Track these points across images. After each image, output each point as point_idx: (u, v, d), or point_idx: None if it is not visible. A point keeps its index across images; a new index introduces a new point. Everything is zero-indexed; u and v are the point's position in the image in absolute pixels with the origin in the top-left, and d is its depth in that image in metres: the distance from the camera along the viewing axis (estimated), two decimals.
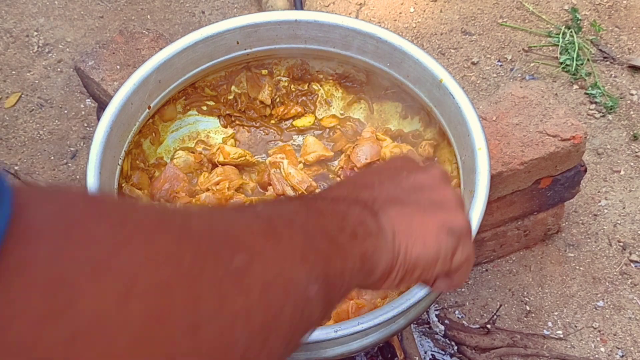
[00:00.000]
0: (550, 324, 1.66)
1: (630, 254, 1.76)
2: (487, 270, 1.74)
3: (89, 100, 2.07)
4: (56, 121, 2.06)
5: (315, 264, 0.53)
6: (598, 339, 1.64)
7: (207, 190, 1.26)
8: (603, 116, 2.03)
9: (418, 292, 0.99)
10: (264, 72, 1.37)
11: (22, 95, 2.12)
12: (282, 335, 0.48)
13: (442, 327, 1.60)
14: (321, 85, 1.39)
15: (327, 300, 0.55)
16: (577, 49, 2.14)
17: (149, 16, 2.31)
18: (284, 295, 0.48)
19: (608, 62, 2.15)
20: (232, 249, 0.46)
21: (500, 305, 1.66)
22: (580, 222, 1.82)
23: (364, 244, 0.61)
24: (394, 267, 0.65)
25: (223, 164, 1.30)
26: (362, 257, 0.60)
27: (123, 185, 1.22)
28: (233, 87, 1.38)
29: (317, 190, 1.27)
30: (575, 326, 1.66)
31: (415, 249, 0.66)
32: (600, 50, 2.17)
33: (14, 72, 2.17)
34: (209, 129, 1.38)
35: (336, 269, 0.56)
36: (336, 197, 0.67)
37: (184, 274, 0.40)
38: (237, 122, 1.38)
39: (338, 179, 1.30)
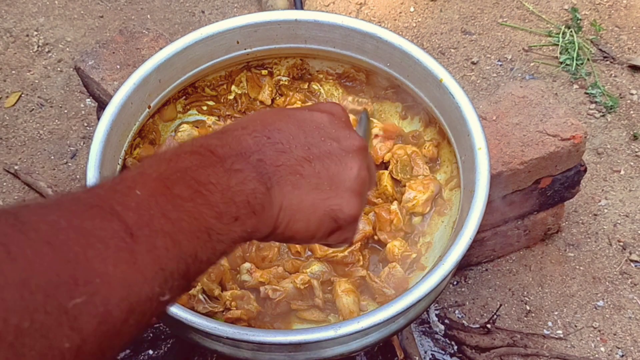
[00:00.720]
0: (550, 323, 1.66)
1: (630, 253, 1.76)
2: (487, 270, 1.74)
3: (89, 99, 2.07)
4: (56, 121, 2.06)
5: (175, 271, 0.56)
6: (598, 338, 1.64)
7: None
8: (603, 116, 2.03)
9: (417, 292, 0.99)
10: (264, 72, 1.37)
11: (22, 95, 2.12)
12: (126, 336, 0.52)
13: (442, 327, 1.60)
14: (321, 85, 1.39)
15: (184, 287, 0.58)
16: (577, 48, 2.14)
17: (149, 16, 2.31)
18: (128, 314, 0.51)
19: (608, 62, 2.15)
20: (70, 290, 0.48)
21: (500, 305, 1.66)
22: (580, 221, 1.82)
23: (243, 225, 0.63)
24: (270, 236, 0.70)
25: None
26: (238, 237, 0.63)
27: (127, 158, 1.22)
28: (233, 87, 1.38)
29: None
30: (575, 326, 1.66)
31: (296, 226, 0.69)
32: (600, 49, 2.17)
33: (14, 72, 2.17)
34: None
35: (202, 259, 0.59)
36: (239, 154, 0.66)
37: (11, 324, 0.44)
38: None
39: None
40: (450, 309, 1.67)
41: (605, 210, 1.83)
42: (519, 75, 2.12)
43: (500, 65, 2.15)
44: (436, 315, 1.63)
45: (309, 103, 1.38)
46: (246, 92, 1.38)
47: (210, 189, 0.61)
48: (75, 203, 0.54)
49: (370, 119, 1.16)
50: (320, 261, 1.19)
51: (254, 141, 0.68)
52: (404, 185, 1.26)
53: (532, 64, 2.15)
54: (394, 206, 1.22)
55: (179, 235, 0.56)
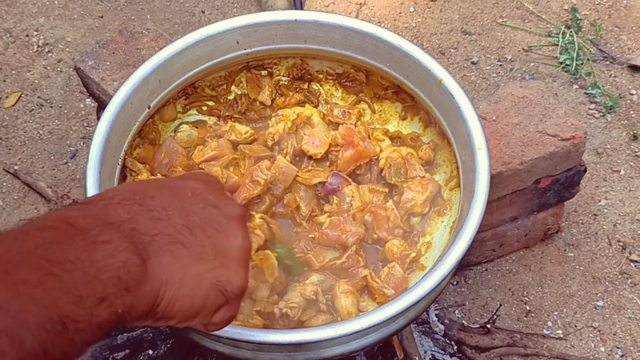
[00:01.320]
0: (550, 323, 1.66)
1: (630, 253, 1.76)
2: (487, 270, 1.74)
3: (89, 100, 2.07)
4: (56, 121, 2.06)
5: None
6: (598, 338, 1.64)
7: (200, 167, 1.26)
8: (603, 116, 2.03)
9: (417, 292, 0.99)
10: (264, 72, 1.37)
11: (22, 95, 2.12)
12: None
13: (442, 327, 1.60)
14: (321, 85, 1.39)
15: None
16: (577, 48, 2.14)
17: (148, 16, 2.31)
18: None
19: (608, 62, 2.15)
20: None
21: (500, 305, 1.66)
22: (580, 221, 1.82)
23: (112, 306, 0.54)
24: (149, 314, 0.61)
25: (235, 143, 1.30)
26: (105, 321, 0.54)
27: (127, 158, 1.22)
28: (233, 88, 1.38)
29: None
30: (575, 326, 1.66)
31: (179, 303, 0.62)
32: (600, 50, 2.17)
33: (13, 72, 2.17)
34: None
35: (55, 355, 0.49)
36: (107, 224, 0.58)
37: None
38: (238, 123, 1.38)
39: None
40: (450, 309, 1.67)
41: (605, 210, 1.83)
42: (519, 75, 2.12)
43: (500, 65, 2.15)
44: (436, 315, 1.63)
45: (309, 103, 1.38)
46: (246, 92, 1.38)
47: (66, 267, 0.52)
48: None
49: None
50: (318, 272, 1.18)
51: (125, 210, 0.60)
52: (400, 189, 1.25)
53: (532, 64, 2.15)
54: (390, 203, 1.23)
55: (20, 332, 0.47)
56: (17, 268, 0.50)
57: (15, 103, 2.10)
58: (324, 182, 1.25)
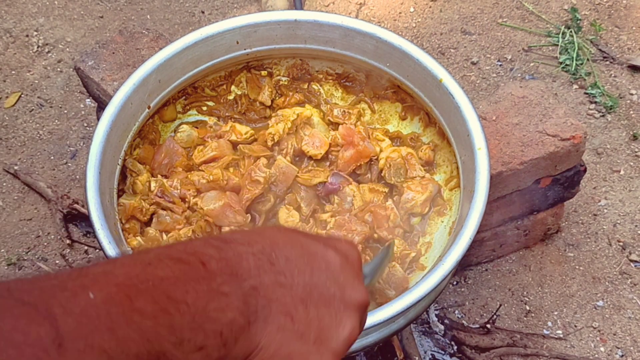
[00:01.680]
0: (550, 323, 1.66)
1: (630, 253, 1.76)
2: (487, 270, 1.74)
3: (88, 100, 2.07)
4: (56, 121, 2.06)
5: None
6: (598, 338, 1.64)
7: (200, 169, 1.26)
8: (603, 116, 2.03)
9: (417, 292, 0.99)
10: (264, 73, 1.37)
11: (22, 95, 2.12)
12: None
13: (442, 327, 1.60)
14: (321, 85, 1.39)
15: None
16: (576, 48, 2.14)
17: (148, 16, 2.31)
18: None
19: (608, 62, 2.15)
20: None
21: (500, 305, 1.66)
22: (580, 221, 1.82)
23: (208, 357, 0.56)
24: None
25: (235, 143, 1.30)
26: None
27: (127, 158, 1.22)
28: (233, 88, 1.38)
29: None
30: (575, 326, 1.66)
31: None
32: (600, 50, 2.17)
33: (13, 72, 2.17)
34: None
35: None
36: (233, 275, 0.59)
37: None
38: (238, 123, 1.38)
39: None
40: (450, 309, 1.67)
41: (605, 210, 1.83)
42: (519, 75, 2.13)
43: (500, 65, 2.15)
44: (436, 315, 1.63)
45: (309, 103, 1.38)
46: (246, 92, 1.38)
47: (181, 309, 0.54)
48: (7, 295, 0.47)
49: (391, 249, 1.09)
50: None
51: (255, 263, 0.61)
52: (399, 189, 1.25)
53: (532, 64, 2.15)
54: (389, 202, 1.23)
55: (120, 356, 0.49)
56: (138, 295, 0.52)
57: (15, 103, 2.10)
58: (325, 182, 1.25)
